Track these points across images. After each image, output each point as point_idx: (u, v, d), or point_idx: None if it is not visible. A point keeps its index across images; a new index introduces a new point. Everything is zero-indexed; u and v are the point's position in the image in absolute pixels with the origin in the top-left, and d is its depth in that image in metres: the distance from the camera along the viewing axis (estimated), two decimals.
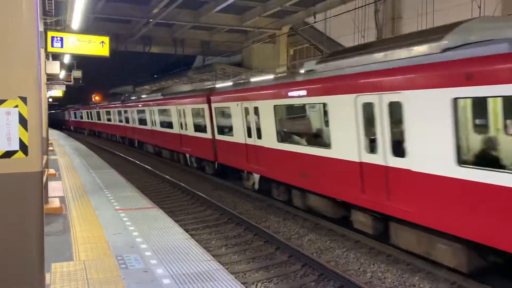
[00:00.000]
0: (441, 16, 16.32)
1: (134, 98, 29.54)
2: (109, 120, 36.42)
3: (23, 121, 3.73)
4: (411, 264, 7.80)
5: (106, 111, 36.89)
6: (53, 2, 10.57)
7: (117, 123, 33.49)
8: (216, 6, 21.83)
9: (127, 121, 30.28)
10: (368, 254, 8.51)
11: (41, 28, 10.67)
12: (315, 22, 20.31)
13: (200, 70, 30.69)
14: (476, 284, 6.79)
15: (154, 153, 25.91)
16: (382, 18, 19.37)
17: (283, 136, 11.16)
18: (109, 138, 39.61)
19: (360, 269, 7.88)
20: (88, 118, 46.46)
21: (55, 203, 9.34)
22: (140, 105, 25.99)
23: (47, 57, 15.36)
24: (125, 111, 30.09)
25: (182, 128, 19.07)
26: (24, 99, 3.74)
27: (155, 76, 41.08)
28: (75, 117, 57.01)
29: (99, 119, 40.88)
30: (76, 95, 61.04)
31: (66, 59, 19.35)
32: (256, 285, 7.26)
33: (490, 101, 5.97)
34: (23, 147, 3.75)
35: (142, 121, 25.96)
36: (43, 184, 7.94)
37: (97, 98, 51.67)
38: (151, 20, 23.72)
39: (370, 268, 7.86)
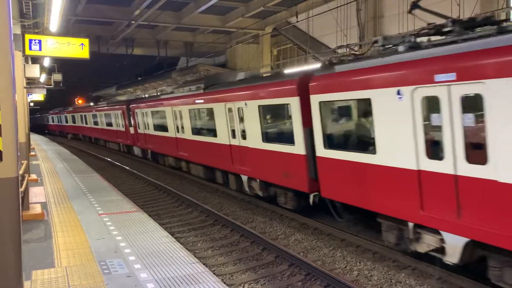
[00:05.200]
0: (421, 14, 16.45)
1: (91, 105, 39.96)
2: (74, 122, 46.29)
3: None
4: (397, 261, 7.84)
5: (71, 116, 47.15)
6: (30, 4, 10.36)
7: (80, 124, 42.53)
8: (199, 7, 21.72)
9: (86, 123, 39.31)
10: (354, 252, 8.53)
11: (18, 31, 10.45)
12: (297, 21, 20.36)
13: (183, 72, 30.51)
14: (460, 278, 6.85)
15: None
16: (364, 17, 19.51)
17: (156, 128, 19.58)
18: (73, 137, 49.08)
19: (346, 267, 7.89)
20: (58, 122, 58.52)
21: (36, 209, 9.15)
22: (93, 111, 34.63)
23: (26, 61, 15.09)
24: (85, 115, 39.30)
25: (118, 126, 27.91)
26: None
27: (139, 78, 40.90)
28: (52, 122, 66.69)
29: (66, 122, 51.44)
30: (58, 98, 60.47)
31: (46, 62, 19.01)
32: (243, 286, 7.21)
33: (211, 110, 13.86)
34: None
35: (96, 123, 34.52)
36: (22, 190, 7.74)
37: (80, 101, 51.75)
38: (133, 22, 23.50)
39: (357, 266, 7.88)
